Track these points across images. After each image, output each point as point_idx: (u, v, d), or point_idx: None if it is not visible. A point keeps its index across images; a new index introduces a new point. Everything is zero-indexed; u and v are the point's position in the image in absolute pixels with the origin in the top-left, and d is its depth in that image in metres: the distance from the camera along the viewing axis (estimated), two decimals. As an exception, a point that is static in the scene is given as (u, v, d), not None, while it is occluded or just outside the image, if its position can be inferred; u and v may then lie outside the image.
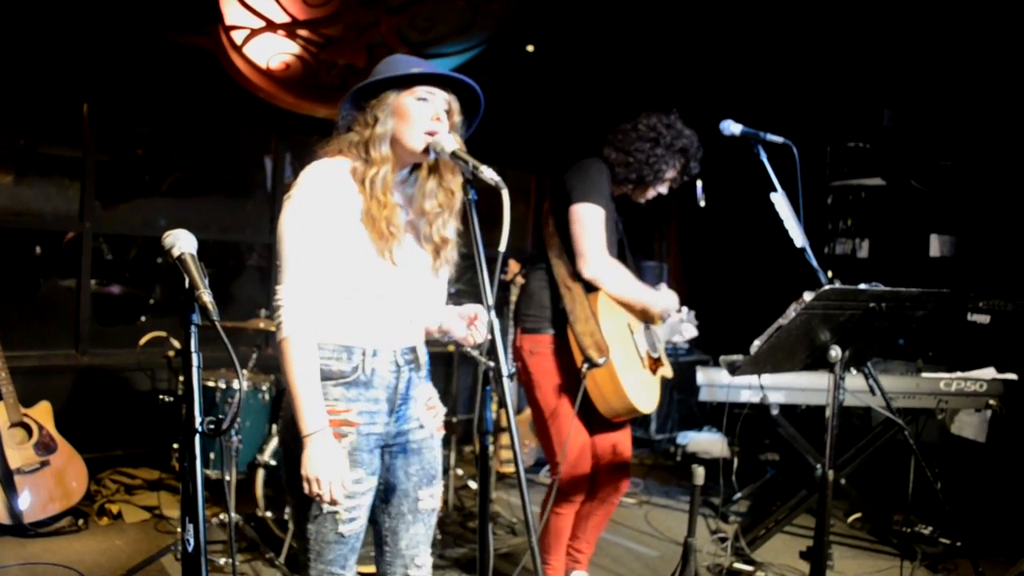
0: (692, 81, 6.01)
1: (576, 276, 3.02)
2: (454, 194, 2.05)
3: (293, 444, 1.91)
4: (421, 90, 1.97)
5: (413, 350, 2.07)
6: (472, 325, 2.07)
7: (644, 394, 3.06)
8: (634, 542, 4.25)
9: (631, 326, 3.13)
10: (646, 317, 3.24)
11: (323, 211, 1.91)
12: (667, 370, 3.33)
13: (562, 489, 3.12)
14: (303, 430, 1.86)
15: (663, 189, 3.20)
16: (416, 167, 2.07)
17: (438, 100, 1.99)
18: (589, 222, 2.99)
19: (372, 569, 2.23)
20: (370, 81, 1.98)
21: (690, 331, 3.35)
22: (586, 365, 2.91)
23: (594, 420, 3.12)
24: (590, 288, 3.03)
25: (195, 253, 1.62)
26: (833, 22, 5.39)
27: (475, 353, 1.97)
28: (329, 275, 1.93)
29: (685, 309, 3.39)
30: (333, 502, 1.87)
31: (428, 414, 2.13)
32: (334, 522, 1.96)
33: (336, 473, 1.86)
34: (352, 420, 1.96)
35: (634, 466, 3.54)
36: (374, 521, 2.13)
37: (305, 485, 1.86)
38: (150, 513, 4.12)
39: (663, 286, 3.27)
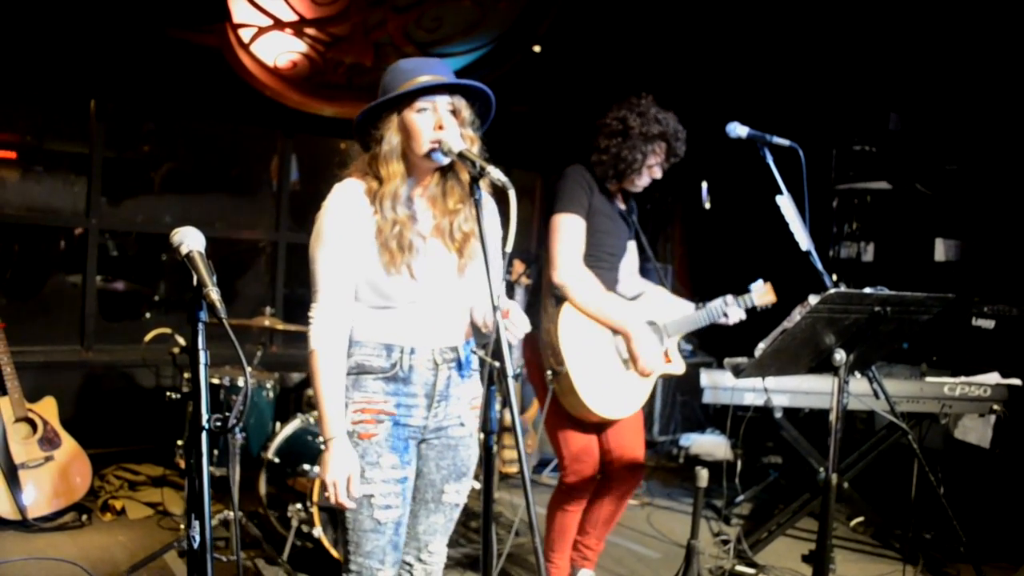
0: (699, 83, 6.01)
1: (550, 285, 3.06)
2: None
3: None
4: (420, 101, 1.99)
5: (454, 349, 2.11)
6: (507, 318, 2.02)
7: (613, 400, 3.04)
8: (636, 543, 4.25)
9: None
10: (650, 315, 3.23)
11: (343, 232, 2.00)
12: (675, 367, 3.28)
13: (567, 487, 3.16)
14: (324, 435, 1.99)
15: (656, 173, 3.16)
16: (436, 169, 2.09)
17: (440, 105, 2.00)
18: (561, 231, 3.02)
19: None
20: (370, 107, 2.02)
21: (738, 313, 3.27)
22: (549, 373, 2.99)
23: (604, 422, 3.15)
24: (560, 298, 3.04)
25: (203, 250, 1.62)
26: (839, 26, 5.39)
27: (480, 352, 1.97)
28: (358, 289, 2.03)
29: (758, 290, 3.35)
30: (340, 505, 1.97)
31: (471, 413, 2.18)
32: (369, 507, 2.03)
33: (343, 477, 1.95)
34: (389, 410, 2.04)
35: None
36: None
37: (323, 488, 1.98)
38: (153, 509, 4.12)
39: (638, 316, 3.17)
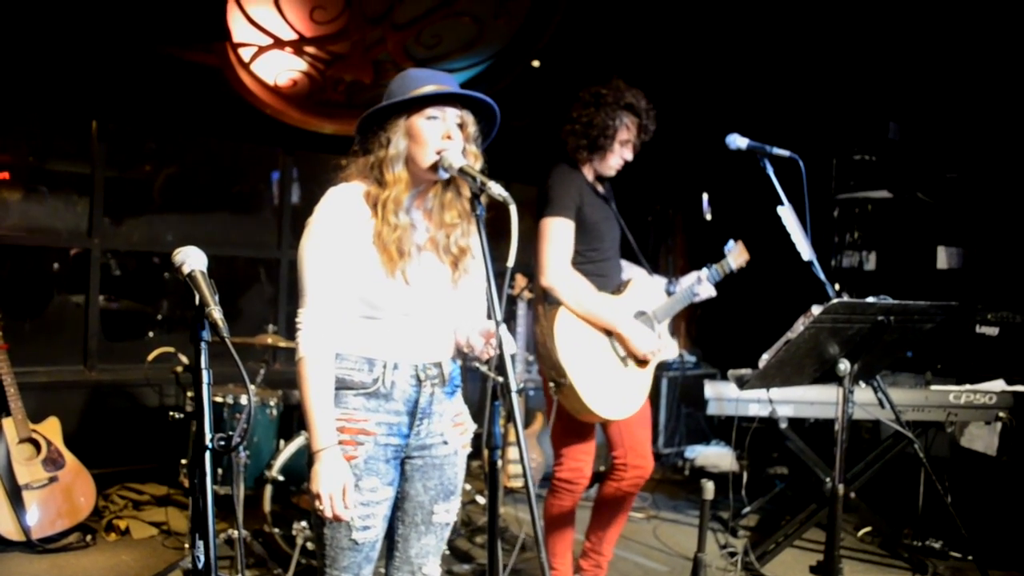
0: (698, 95, 6.02)
1: (543, 294, 3.09)
2: None
3: (309, 458, 1.98)
4: (431, 109, 1.99)
5: (438, 365, 2.08)
6: (488, 343, 2.04)
7: (618, 400, 3.09)
8: (643, 557, 4.23)
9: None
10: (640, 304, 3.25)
11: (338, 236, 1.96)
12: (668, 351, 3.32)
13: (560, 481, 3.21)
14: (313, 446, 1.93)
15: (627, 154, 3.21)
16: (436, 182, 2.08)
17: (449, 117, 2.00)
18: (550, 235, 3.07)
19: None
20: (380, 107, 2.01)
21: (708, 290, 3.32)
22: (552, 385, 3.01)
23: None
24: (552, 303, 3.07)
25: (205, 270, 1.63)
26: (838, 35, 5.40)
27: (484, 368, 1.97)
28: (348, 297, 1.98)
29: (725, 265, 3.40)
30: (336, 518, 1.92)
31: (454, 431, 2.15)
32: (348, 529, 2.00)
33: (338, 489, 1.91)
34: (369, 430, 2.00)
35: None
36: (388, 527, 2.14)
37: (313, 500, 1.93)
38: (158, 529, 4.11)
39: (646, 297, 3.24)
